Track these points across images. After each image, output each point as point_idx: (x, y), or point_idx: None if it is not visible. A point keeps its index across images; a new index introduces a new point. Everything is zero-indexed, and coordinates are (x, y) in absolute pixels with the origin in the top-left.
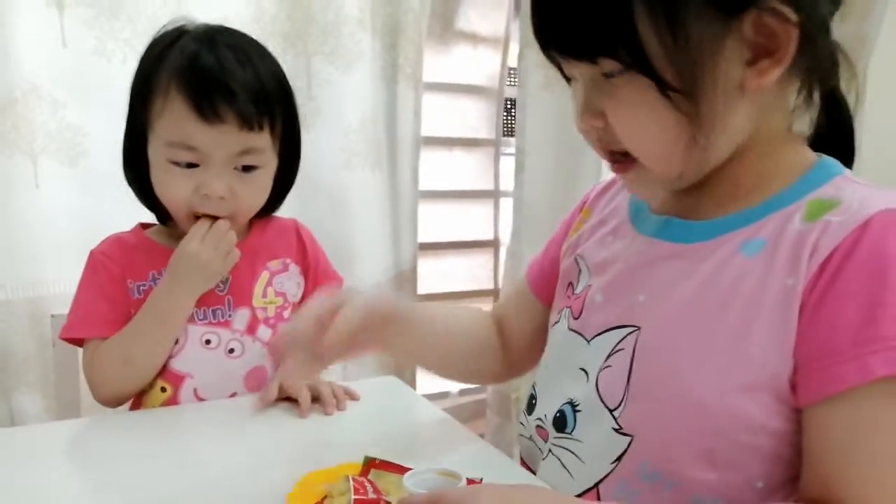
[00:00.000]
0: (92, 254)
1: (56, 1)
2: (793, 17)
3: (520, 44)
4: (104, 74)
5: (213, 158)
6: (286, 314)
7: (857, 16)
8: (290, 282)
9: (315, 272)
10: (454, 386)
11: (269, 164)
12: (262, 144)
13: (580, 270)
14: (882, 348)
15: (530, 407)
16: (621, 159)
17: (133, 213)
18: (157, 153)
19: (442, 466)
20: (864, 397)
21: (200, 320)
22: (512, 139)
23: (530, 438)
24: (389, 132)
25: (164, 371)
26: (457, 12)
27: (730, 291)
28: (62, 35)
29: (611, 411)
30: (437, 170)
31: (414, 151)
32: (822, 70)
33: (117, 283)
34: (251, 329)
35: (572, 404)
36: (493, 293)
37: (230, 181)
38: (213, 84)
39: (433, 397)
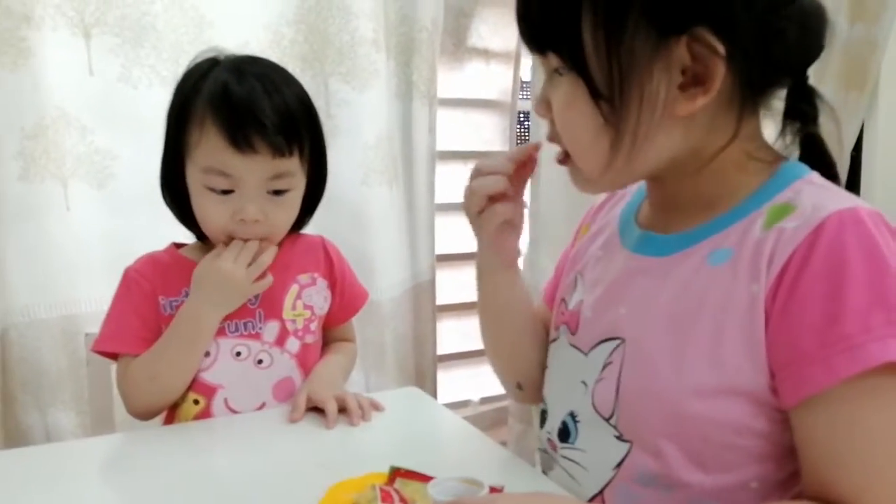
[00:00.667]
0: (126, 272)
1: (83, 30)
2: (720, 48)
3: (532, 57)
4: (130, 100)
5: (247, 184)
6: (313, 326)
7: (867, 19)
8: (318, 295)
9: (342, 286)
10: (475, 394)
11: (298, 186)
12: (293, 168)
13: (576, 287)
14: (846, 347)
15: (542, 420)
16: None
17: (161, 233)
18: (194, 179)
19: (465, 475)
20: (838, 398)
21: (232, 333)
22: None
23: (545, 451)
24: (405, 148)
25: (196, 383)
26: (469, 29)
27: (700, 301)
28: (89, 63)
29: (607, 420)
30: (453, 183)
31: (430, 166)
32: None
33: (149, 300)
34: (280, 341)
35: (573, 415)
36: None
37: (263, 205)
38: (244, 117)
39: (454, 406)
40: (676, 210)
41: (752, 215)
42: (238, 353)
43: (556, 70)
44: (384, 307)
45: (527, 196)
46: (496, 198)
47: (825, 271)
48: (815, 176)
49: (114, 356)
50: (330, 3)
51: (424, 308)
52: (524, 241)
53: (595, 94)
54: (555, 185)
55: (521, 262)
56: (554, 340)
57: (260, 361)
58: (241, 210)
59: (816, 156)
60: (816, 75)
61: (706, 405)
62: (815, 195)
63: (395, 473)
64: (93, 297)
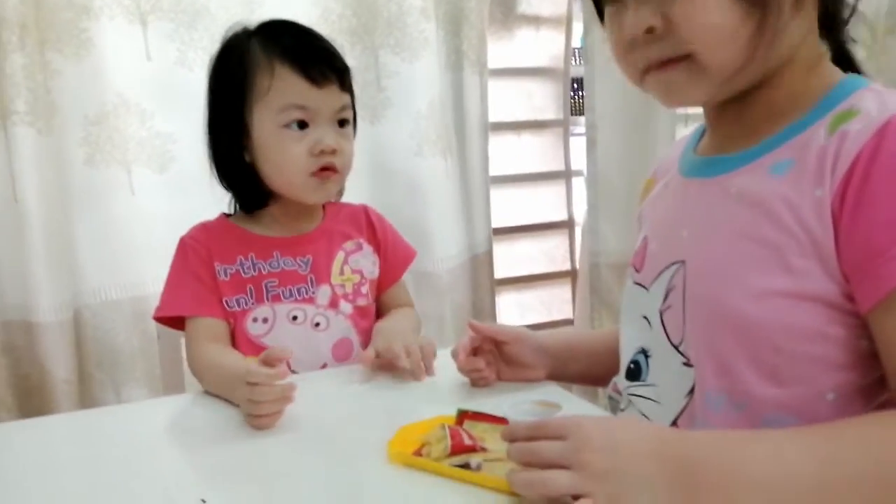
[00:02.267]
0: (182, 240)
1: (140, 17)
2: None
3: (584, 21)
4: (187, 83)
5: (322, 116)
6: (364, 290)
7: None
8: (366, 260)
9: (385, 248)
10: None
11: (352, 118)
12: (350, 102)
13: (640, 227)
14: None
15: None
16: (669, 62)
17: (221, 209)
18: (267, 126)
19: (541, 397)
20: None
21: (286, 298)
22: (580, 118)
23: (611, 398)
24: (457, 118)
25: (257, 349)
26: None
27: (762, 209)
28: (146, 49)
29: (676, 347)
30: (507, 154)
31: (482, 136)
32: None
33: (206, 264)
34: (333, 304)
35: (644, 352)
36: (571, 273)
37: (335, 136)
38: (317, 52)
39: None
40: (740, 127)
41: (813, 126)
42: (294, 318)
43: None
44: (442, 279)
45: (582, 164)
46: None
47: (893, 167)
48: (876, 85)
49: (177, 322)
50: None
51: (483, 280)
52: (577, 211)
53: None
54: (611, 151)
55: (578, 233)
56: (624, 287)
57: (317, 324)
58: (319, 142)
59: (847, 65)
60: (889, 24)
61: (776, 310)
62: (878, 98)
63: (463, 416)
64: (160, 276)
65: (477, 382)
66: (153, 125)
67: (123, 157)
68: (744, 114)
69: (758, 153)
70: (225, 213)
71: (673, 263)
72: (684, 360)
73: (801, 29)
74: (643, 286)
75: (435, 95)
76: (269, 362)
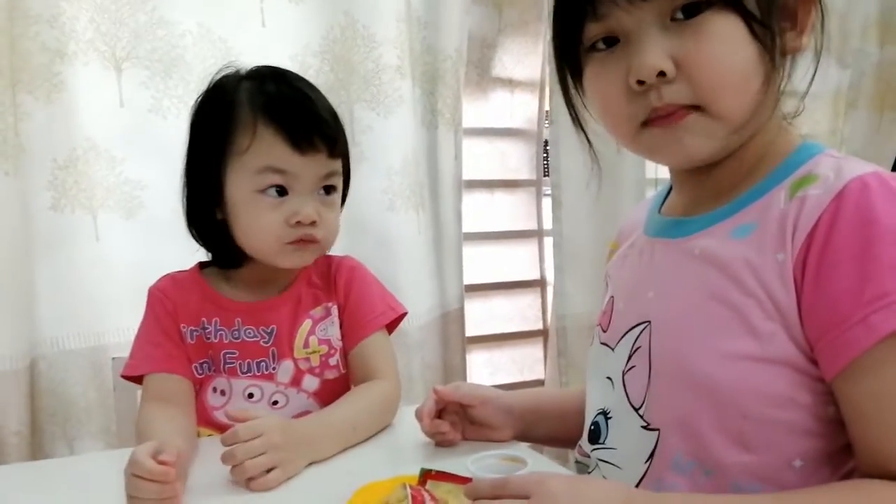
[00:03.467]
0: (150, 291)
1: (114, 64)
2: None
3: (551, 84)
4: (160, 130)
5: (303, 184)
6: (333, 361)
7: None
8: (333, 327)
9: (345, 308)
10: None
11: (340, 189)
12: (339, 169)
13: (607, 288)
14: (884, 304)
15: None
16: (678, 111)
17: (190, 262)
18: (242, 188)
19: (505, 451)
20: (883, 361)
21: (244, 374)
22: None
23: (577, 461)
24: (431, 175)
25: (212, 423)
26: (493, 59)
27: (726, 272)
28: (120, 95)
29: (636, 410)
30: (480, 212)
31: (456, 193)
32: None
33: (172, 319)
34: (295, 381)
35: (604, 413)
36: (543, 333)
37: (316, 205)
38: (304, 115)
39: None
40: (707, 188)
41: (774, 190)
42: (251, 395)
43: (683, 14)
44: (412, 335)
45: (549, 223)
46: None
47: (853, 232)
48: (833, 151)
49: (141, 381)
50: (354, 32)
51: (454, 338)
52: (550, 270)
53: (753, 24)
54: (578, 211)
55: (550, 292)
56: (590, 346)
57: (275, 403)
58: (297, 212)
59: None
60: (850, 99)
61: (742, 374)
62: (835, 164)
63: (427, 476)
64: (121, 326)
65: (441, 443)
66: (122, 171)
67: (90, 203)
68: (712, 174)
69: (721, 216)
70: (200, 264)
71: (639, 324)
72: (644, 423)
73: (777, 91)
74: (609, 346)
75: (409, 151)
76: (158, 455)
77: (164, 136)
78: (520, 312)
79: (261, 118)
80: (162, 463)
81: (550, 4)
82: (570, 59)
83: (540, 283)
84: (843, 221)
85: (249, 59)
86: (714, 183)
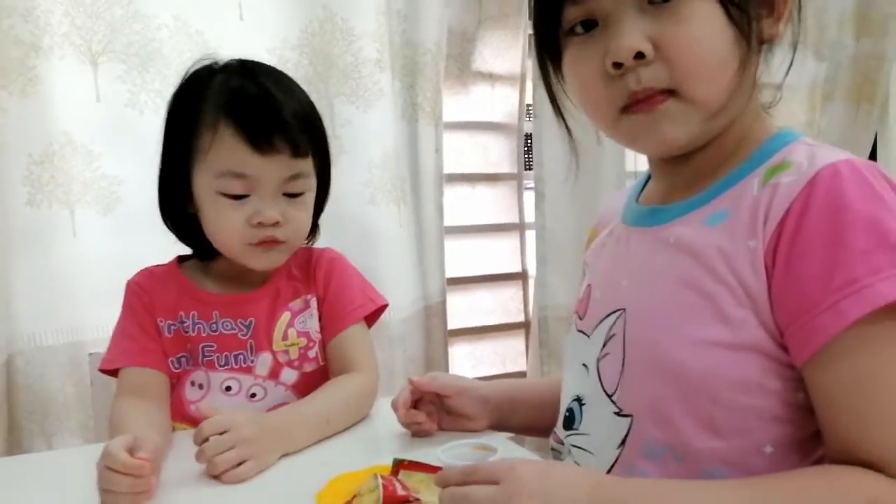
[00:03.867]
0: (127, 284)
1: (90, 58)
2: None
3: (532, 79)
4: (137, 125)
5: (265, 186)
6: (312, 353)
7: (873, 34)
8: (312, 319)
9: (324, 300)
10: None
11: (312, 188)
12: (307, 169)
13: (584, 276)
14: (853, 290)
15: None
16: (656, 95)
17: (167, 257)
18: (205, 188)
19: (477, 440)
20: (852, 348)
21: (222, 366)
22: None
23: (552, 449)
24: (412, 169)
25: (188, 418)
26: (473, 53)
27: (699, 259)
28: (96, 89)
29: (609, 396)
30: (462, 206)
31: (437, 186)
32: None
33: (149, 313)
34: (274, 374)
35: (579, 400)
36: (525, 325)
37: (280, 206)
38: (265, 115)
39: None
40: (684, 177)
41: (747, 178)
42: (228, 388)
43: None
44: (394, 328)
45: (531, 216)
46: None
47: (824, 219)
48: (808, 139)
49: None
50: (333, 25)
51: (436, 330)
52: (531, 263)
53: (730, 7)
54: (560, 203)
55: (532, 285)
56: (567, 335)
57: (253, 395)
58: (258, 213)
59: None
60: (826, 91)
61: (713, 360)
62: (809, 151)
63: (399, 465)
64: (99, 322)
65: (417, 433)
66: (99, 166)
67: (66, 198)
68: (689, 163)
69: (696, 204)
70: (179, 258)
71: (614, 311)
72: (616, 409)
73: (754, 78)
74: (585, 333)
75: (389, 145)
76: (133, 450)
77: (141, 131)
78: (502, 305)
79: (222, 118)
80: (138, 451)
81: None
82: (549, 45)
83: (521, 276)
84: (814, 208)
85: (227, 53)
86: (690, 171)
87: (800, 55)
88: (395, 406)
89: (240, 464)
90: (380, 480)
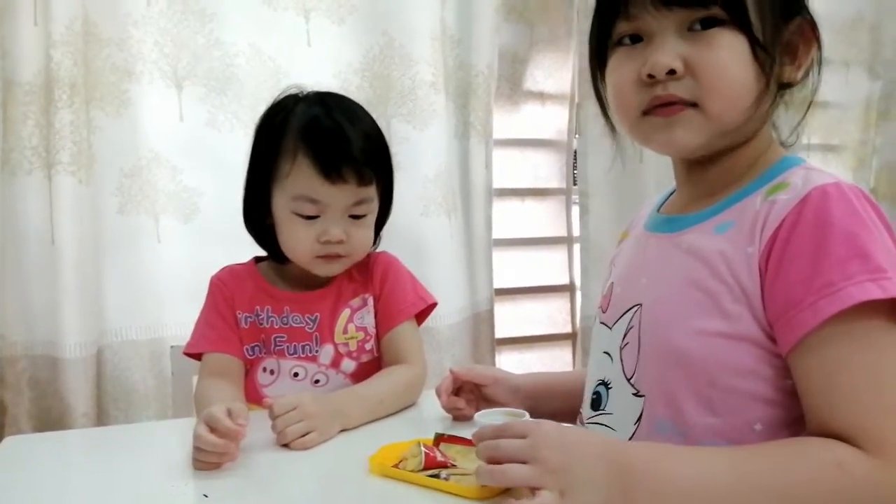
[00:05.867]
0: (211, 279)
1: (176, 82)
2: (816, 31)
3: (579, 97)
4: (215, 143)
5: (333, 210)
6: (368, 346)
7: None
8: (370, 315)
9: (379, 299)
10: None
11: (374, 210)
12: (371, 195)
13: (609, 275)
14: (829, 292)
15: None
16: (677, 104)
17: (239, 261)
18: (282, 207)
19: (508, 409)
20: (826, 341)
21: (291, 355)
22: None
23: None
24: (463, 183)
25: (259, 401)
26: (524, 74)
27: (706, 262)
28: (180, 110)
29: (628, 380)
30: (511, 219)
31: (486, 200)
32: None
33: (229, 305)
34: (335, 363)
35: (605, 384)
36: (571, 336)
37: (345, 226)
38: (335, 150)
39: None
40: (702, 189)
41: (752, 195)
42: (296, 374)
43: (699, 25)
44: (442, 333)
45: (577, 228)
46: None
47: (811, 232)
48: (808, 163)
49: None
50: (392, 51)
51: (484, 337)
52: (577, 273)
53: (756, 46)
54: (604, 216)
55: (579, 297)
56: (592, 327)
57: (317, 381)
58: (325, 232)
59: None
60: (881, 109)
61: (712, 348)
62: (805, 175)
63: (440, 439)
64: (179, 321)
65: (457, 418)
66: (182, 179)
67: (152, 208)
68: (706, 177)
69: (708, 215)
70: (256, 258)
71: (633, 306)
72: (634, 391)
73: (769, 113)
74: (607, 325)
75: (442, 162)
76: (232, 416)
77: (219, 148)
78: (549, 316)
79: (301, 148)
80: (236, 420)
81: (579, 22)
82: (600, 54)
83: (569, 288)
84: (803, 223)
85: (297, 78)
86: (707, 186)
87: (854, 73)
88: (438, 392)
89: (305, 435)
90: (422, 448)
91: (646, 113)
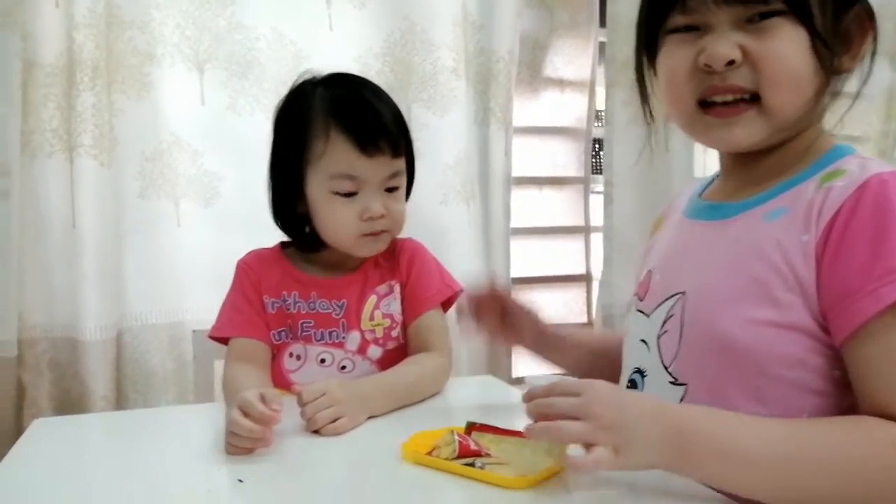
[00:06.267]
0: (238, 263)
1: (197, 66)
2: (871, 21)
3: (606, 84)
4: (236, 127)
5: (371, 184)
6: (394, 333)
7: None
8: (396, 302)
9: (406, 286)
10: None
11: (405, 184)
12: (402, 167)
13: (645, 261)
14: (891, 280)
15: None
16: (737, 102)
17: (259, 245)
18: (319, 188)
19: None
20: (888, 327)
21: (318, 341)
22: (599, 177)
23: None
24: (482, 170)
25: (286, 386)
26: (544, 61)
27: (756, 249)
28: (201, 94)
29: (666, 368)
30: (529, 207)
31: (505, 188)
32: None
33: (256, 289)
34: (362, 349)
35: (640, 372)
36: (588, 326)
37: (384, 200)
38: (370, 123)
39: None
40: (750, 177)
41: (806, 182)
42: (322, 360)
43: (758, 16)
44: None
45: (599, 218)
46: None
47: (871, 218)
48: (860, 152)
49: (227, 342)
50: (414, 36)
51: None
52: (598, 262)
53: (816, 40)
54: (627, 206)
55: (595, 287)
56: (627, 314)
57: (343, 367)
58: (367, 209)
59: None
60: None
61: (761, 337)
62: (861, 163)
63: (472, 427)
64: (198, 305)
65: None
66: (202, 163)
67: (173, 192)
68: (757, 165)
69: (756, 202)
70: (282, 243)
71: (675, 294)
72: (672, 379)
73: (823, 103)
74: (644, 313)
75: (462, 149)
76: (266, 401)
77: (240, 133)
78: (565, 305)
79: (333, 126)
80: (270, 405)
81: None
82: (649, 42)
83: (585, 278)
84: (862, 209)
85: (318, 61)
86: (756, 174)
87: (876, 64)
88: (460, 310)
89: (335, 421)
90: (456, 436)
91: (703, 107)
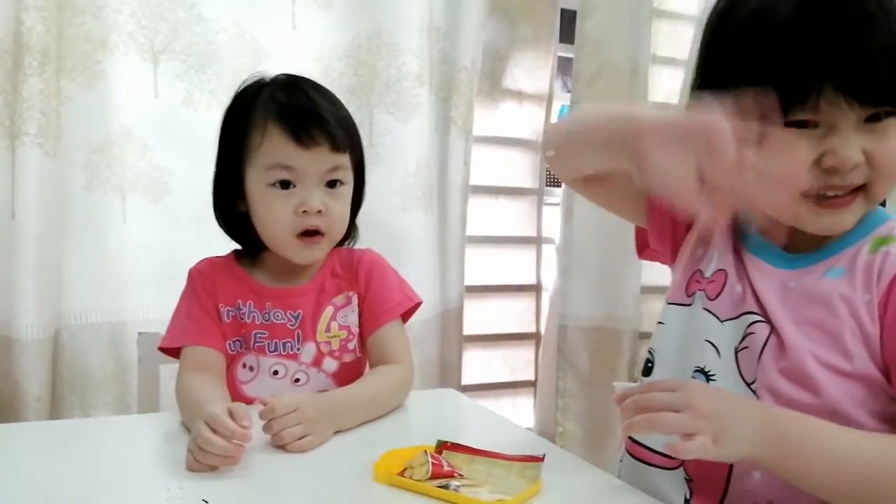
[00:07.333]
0: (190, 271)
1: (152, 56)
2: None
3: (571, 101)
4: (190, 121)
5: (308, 177)
6: (351, 345)
7: None
8: (354, 314)
9: (364, 298)
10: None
11: (349, 182)
12: (345, 163)
13: (712, 259)
14: None
15: (647, 370)
16: (847, 194)
17: (210, 247)
18: (256, 182)
19: None
20: None
21: (271, 352)
22: (554, 189)
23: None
24: (441, 178)
25: (240, 397)
26: (504, 72)
27: (823, 304)
28: (155, 85)
29: (748, 385)
30: (484, 216)
31: (463, 197)
32: None
33: (211, 297)
34: (317, 362)
35: (704, 372)
36: (535, 336)
37: (323, 197)
38: (307, 115)
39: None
40: (807, 235)
41: (858, 243)
42: (276, 372)
43: (874, 118)
44: (414, 329)
45: (557, 232)
46: None
47: None
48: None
49: (177, 353)
50: (380, 39)
51: (452, 334)
52: (546, 276)
53: None
54: (587, 220)
55: (545, 298)
56: (688, 305)
57: (297, 380)
58: (303, 203)
59: None
60: None
61: (834, 383)
62: None
63: (443, 446)
64: (142, 304)
65: None
66: (152, 157)
67: (120, 186)
68: None
69: (817, 259)
70: (236, 252)
71: (755, 313)
72: (755, 396)
73: None
74: (715, 315)
75: (423, 156)
76: (235, 418)
77: (194, 127)
78: (515, 315)
79: (270, 119)
80: (238, 420)
81: (557, 20)
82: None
83: (536, 288)
84: None
85: (279, 59)
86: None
87: None
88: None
89: (301, 438)
90: (429, 456)
91: (817, 202)
